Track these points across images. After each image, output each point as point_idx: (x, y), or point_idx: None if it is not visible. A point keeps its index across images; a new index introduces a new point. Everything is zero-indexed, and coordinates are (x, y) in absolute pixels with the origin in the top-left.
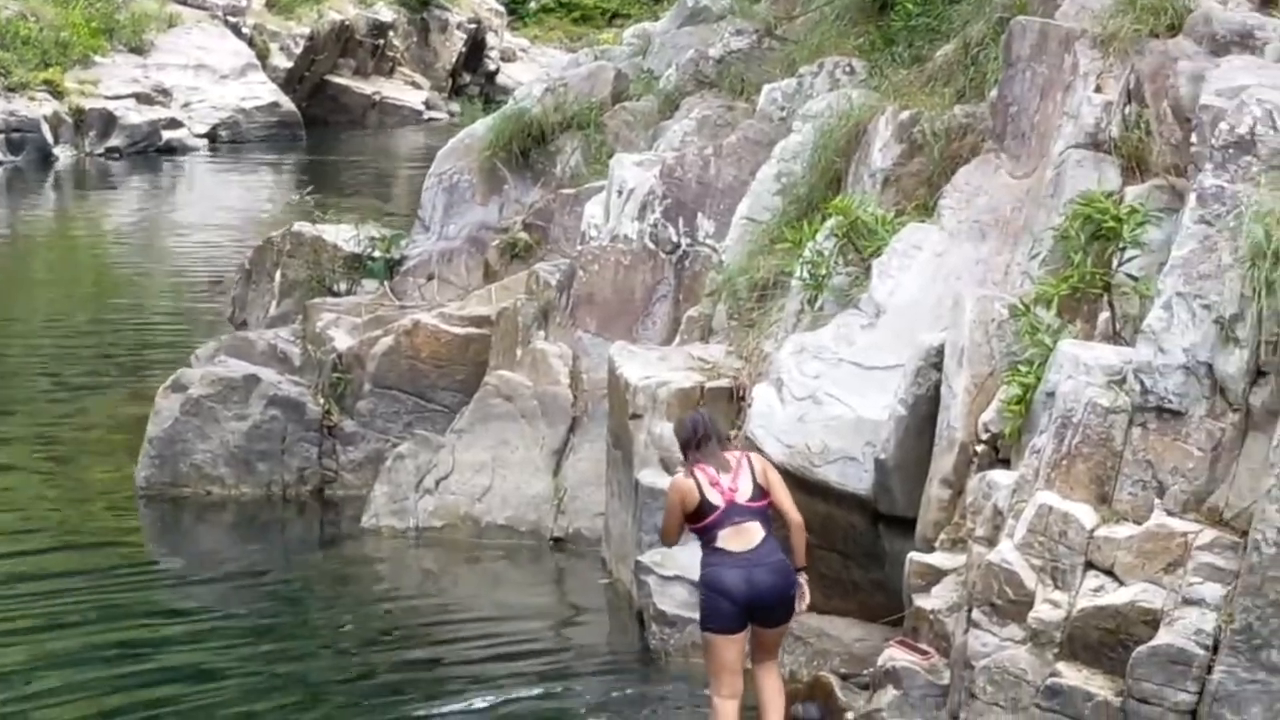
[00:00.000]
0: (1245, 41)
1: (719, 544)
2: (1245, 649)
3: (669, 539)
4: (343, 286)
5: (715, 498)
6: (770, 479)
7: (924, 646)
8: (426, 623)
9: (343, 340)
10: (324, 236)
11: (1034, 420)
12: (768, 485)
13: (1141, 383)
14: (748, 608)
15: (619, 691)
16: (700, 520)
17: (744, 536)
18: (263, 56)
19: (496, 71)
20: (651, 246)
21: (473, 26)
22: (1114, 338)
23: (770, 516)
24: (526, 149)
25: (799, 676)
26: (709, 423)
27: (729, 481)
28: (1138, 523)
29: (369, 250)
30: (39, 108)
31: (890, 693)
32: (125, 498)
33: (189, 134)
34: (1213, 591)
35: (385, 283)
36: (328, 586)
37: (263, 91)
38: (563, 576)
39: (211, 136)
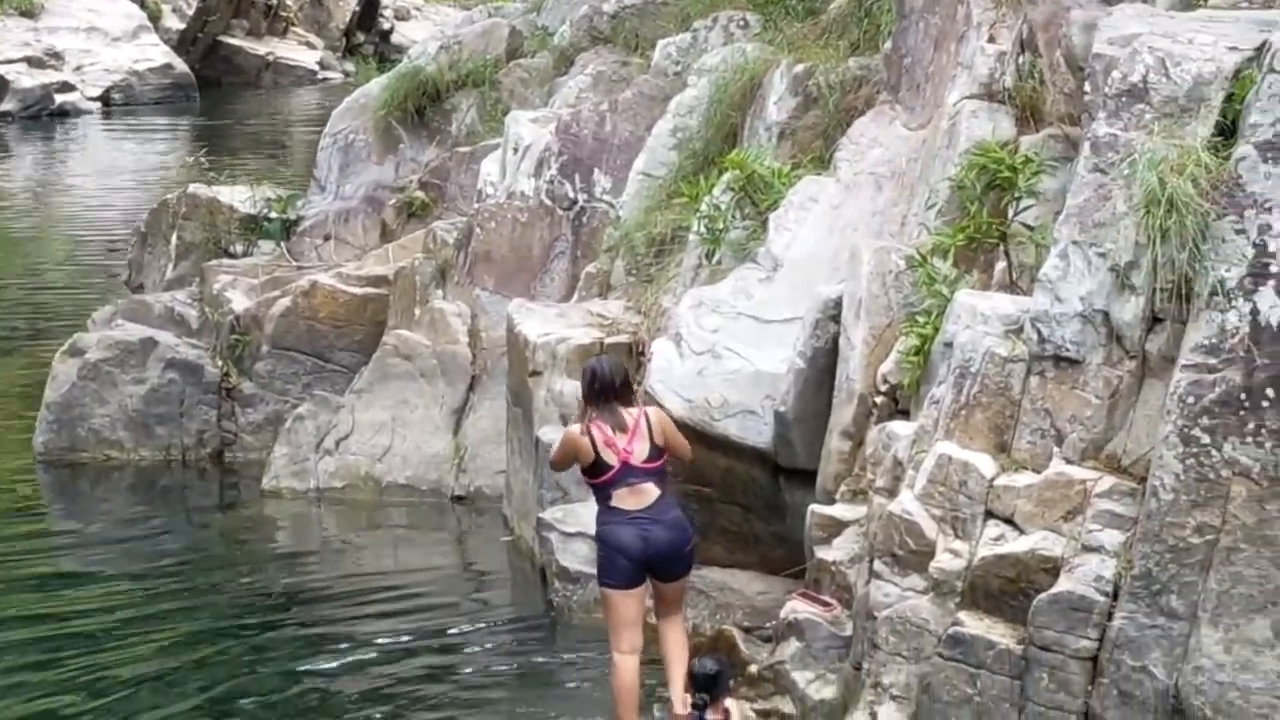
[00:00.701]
0: None
1: (614, 503)
2: (1145, 595)
3: (557, 470)
4: (239, 248)
5: (610, 458)
6: (666, 432)
7: (826, 598)
8: (328, 583)
9: (240, 302)
10: (220, 198)
11: (932, 371)
12: (665, 443)
13: (1038, 331)
14: (644, 563)
15: (522, 648)
16: (595, 477)
17: (639, 496)
18: (155, 18)
19: (391, 30)
20: (548, 203)
21: None
22: (1011, 287)
23: (666, 475)
24: (422, 107)
25: (702, 630)
26: (609, 376)
27: (625, 443)
28: (1037, 471)
29: (265, 211)
30: None
31: (793, 645)
32: (24, 464)
33: (82, 97)
34: (1112, 538)
35: (282, 244)
36: (228, 549)
37: (155, 54)
38: (465, 535)
39: (105, 99)
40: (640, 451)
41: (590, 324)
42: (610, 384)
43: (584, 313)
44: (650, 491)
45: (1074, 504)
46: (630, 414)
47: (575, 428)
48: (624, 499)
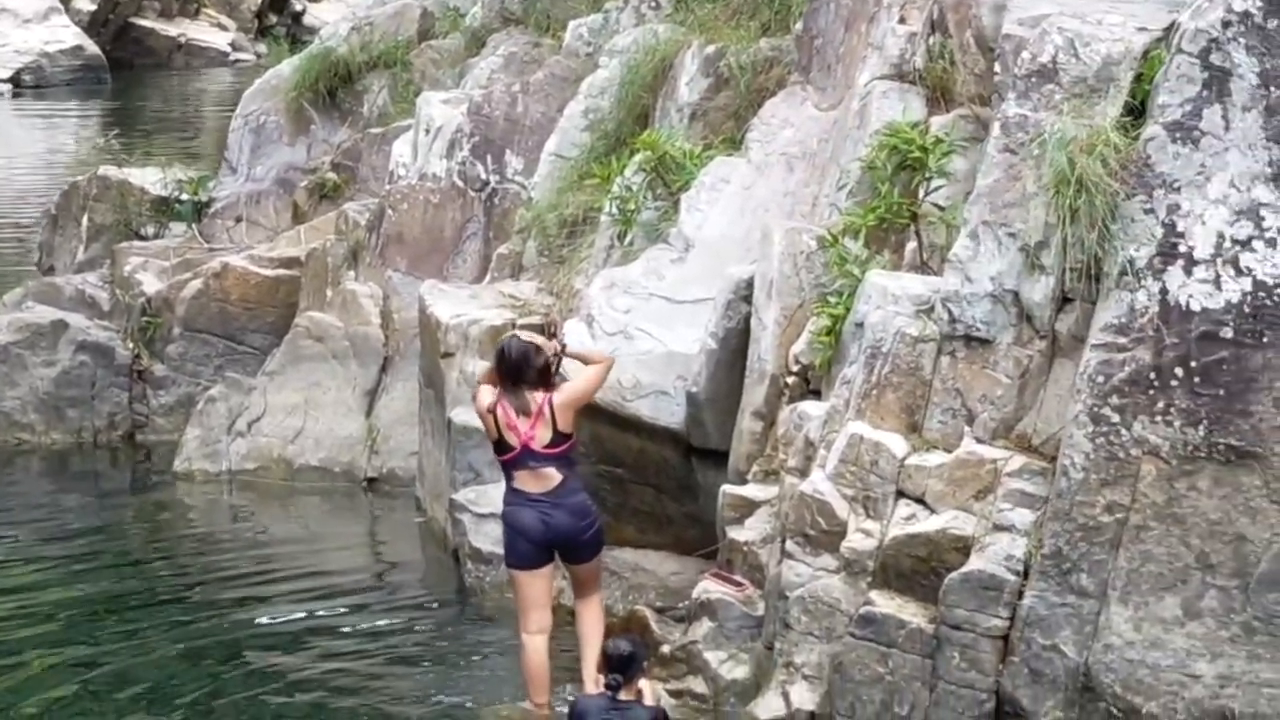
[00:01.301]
0: None
1: (516, 484)
2: (1055, 573)
3: None
4: (150, 230)
5: (511, 439)
6: (574, 406)
7: (738, 578)
8: (240, 566)
9: (151, 284)
10: (130, 180)
11: (844, 351)
12: (569, 425)
13: (949, 312)
14: (546, 546)
15: (435, 630)
16: (498, 454)
17: (541, 480)
18: (66, 0)
19: (303, 12)
20: (460, 184)
21: None
22: (921, 267)
23: (572, 459)
24: (333, 89)
25: (615, 611)
26: (514, 359)
27: (526, 428)
28: (948, 451)
29: (176, 193)
30: None
31: (706, 625)
32: None
33: None
34: (1022, 517)
35: (193, 226)
36: (140, 532)
37: (66, 35)
38: (378, 517)
39: (15, 81)
40: (542, 437)
41: (502, 305)
42: (516, 366)
43: (496, 294)
44: (551, 476)
45: (985, 483)
46: (536, 399)
47: (485, 399)
48: (525, 481)
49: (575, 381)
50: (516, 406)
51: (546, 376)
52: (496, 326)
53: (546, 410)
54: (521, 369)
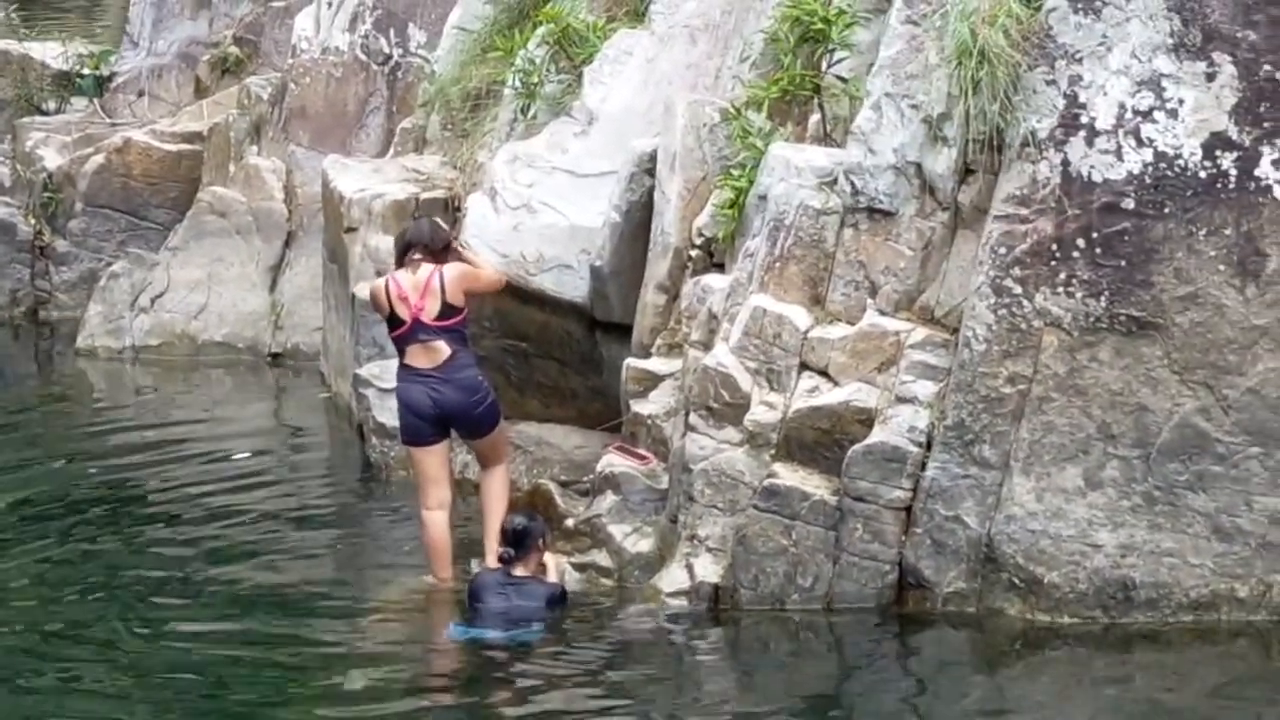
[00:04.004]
0: None
1: (407, 359)
2: (957, 445)
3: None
4: (52, 105)
5: (402, 312)
6: (465, 285)
7: (642, 451)
8: (145, 443)
9: (53, 159)
10: (31, 54)
11: (747, 224)
12: (460, 298)
13: (852, 184)
14: (438, 421)
15: (340, 504)
16: (391, 330)
17: (431, 354)
18: None
19: None
20: (363, 58)
21: None
22: (824, 139)
23: (463, 334)
24: None
25: (519, 485)
26: (417, 232)
27: (416, 299)
28: (851, 323)
29: (78, 67)
30: None
31: (609, 498)
32: None
33: None
34: (925, 389)
35: (95, 100)
36: (44, 408)
37: None
38: (282, 392)
39: None
40: (431, 309)
41: (406, 179)
42: (415, 240)
43: (400, 168)
44: (441, 350)
45: (887, 355)
46: (425, 271)
47: (380, 280)
48: (416, 356)
49: (473, 267)
50: (410, 280)
51: (446, 250)
52: (399, 201)
53: (435, 282)
54: (420, 240)
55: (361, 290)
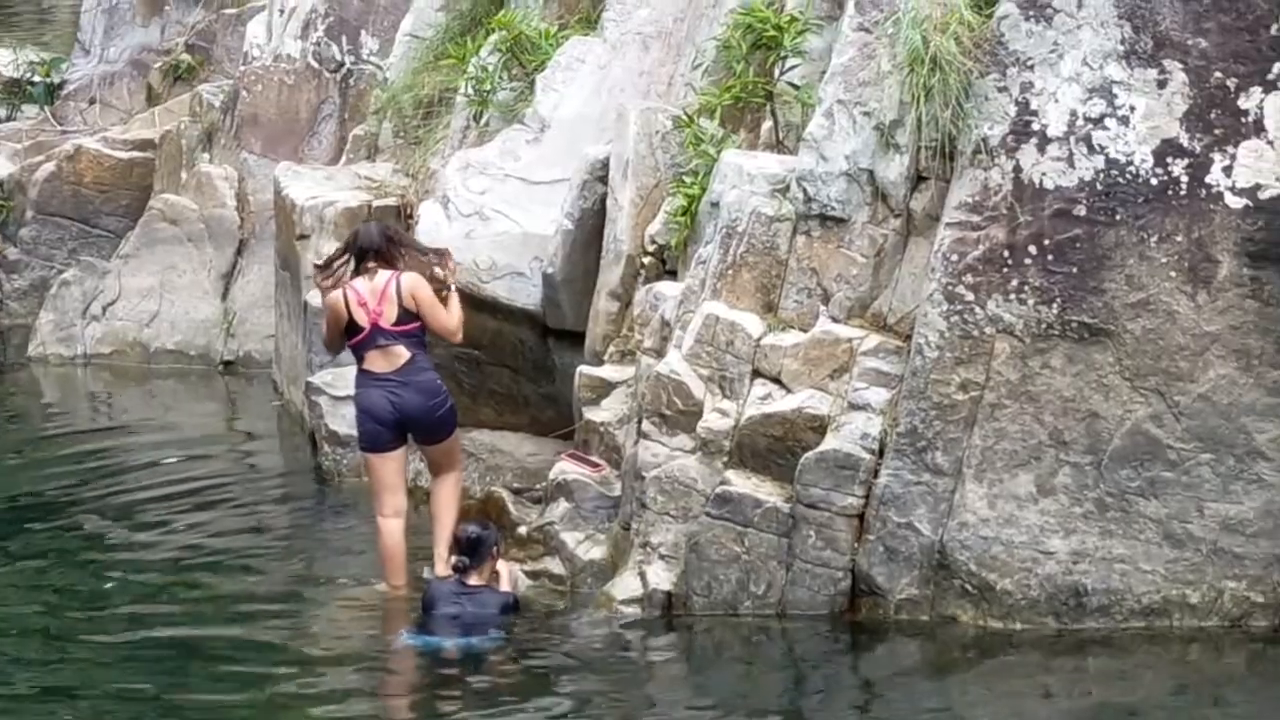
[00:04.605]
0: None
1: (366, 365)
2: (910, 452)
3: (331, 350)
4: (2, 112)
5: (361, 318)
6: (419, 297)
7: (595, 459)
8: (95, 450)
9: (3, 167)
10: None
11: (699, 231)
12: (416, 307)
13: (804, 191)
14: (397, 426)
15: (292, 512)
16: (349, 338)
17: (389, 358)
18: None
19: None
20: (315, 65)
21: None
22: (777, 146)
23: (422, 339)
24: None
25: (472, 492)
26: (370, 238)
27: (374, 304)
28: (803, 330)
29: (28, 75)
30: None
31: (562, 505)
32: None
33: None
34: (877, 396)
35: (46, 108)
36: None
37: None
38: (234, 400)
39: None
40: (389, 314)
41: (358, 187)
42: (369, 246)
43: (352, 176)
44: (400, 354)
45: (840, 362)
46: (384, 277)
47: (338, 291)
48: (374, 361)
49: (434, 302)
50: (367, 286)
51: (393, 258)
52: (352, 208)
53: (392, 288)
54: (374, 246)
55: (314, 298)
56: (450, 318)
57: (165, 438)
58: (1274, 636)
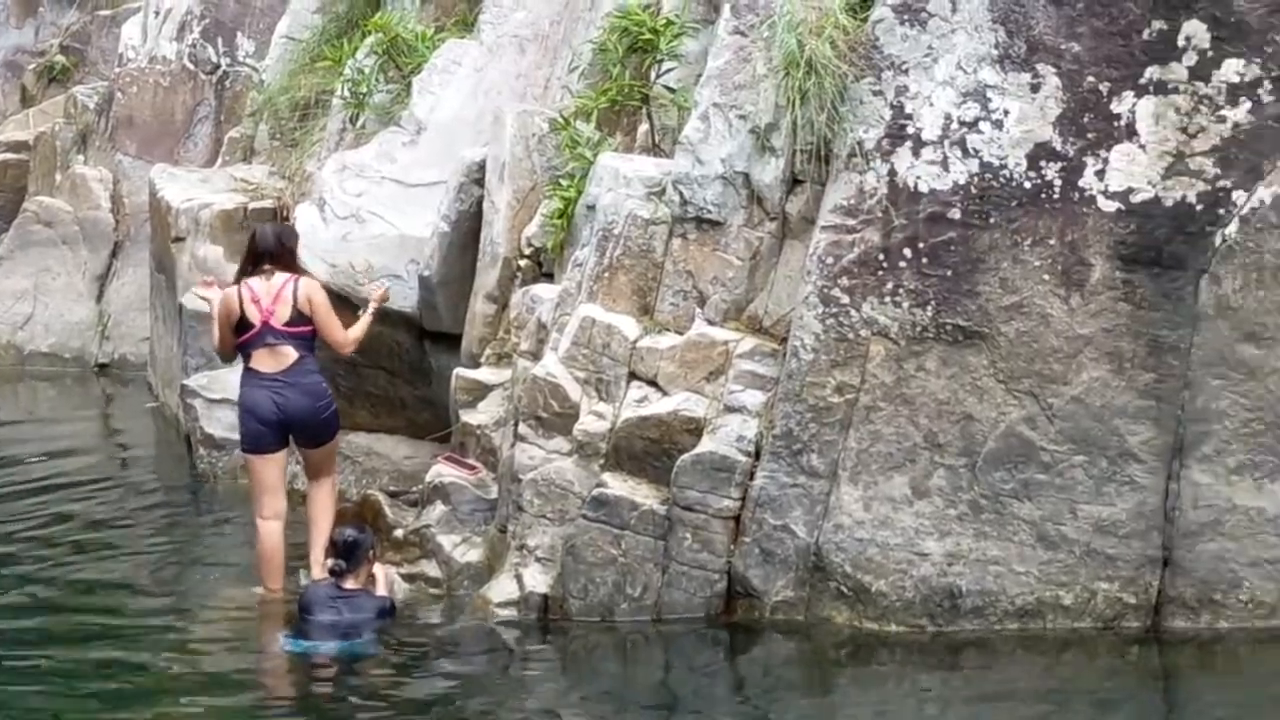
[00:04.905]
0: None
1: (252, 364)
2: (786, 454)
3: (220, 351)
4: None
5: (253, 315)
6: (315, 303)
7: (471, 461)
8: None
9: None
10: None
11: (576, 233)
12: (311, 311)
13: (680, 194)
14: (280, 427)
15: (168, 515)
16: (239, 335)
17: (277, 358)
18: None
19: None
20: (191, 67)
21: None
22: (653, 150)
23: (311, 342)
24: None
25: (348, 495)
26: (267, 239)
27: (268, 303)
28: (679, 333)
29: None
30: None
31: (439, 508)
32: None
33: None
34: (753, 399)
35: None
36: None
37: None
38: (110, 402)
39: None
40: (281, 314)
41: (234, 189)
42: (264, 249)
43: (228, 178)
44: (288, 354)
45: (716, 365)
46: (281, 278)
47: (233, 287)
48: (262, 360)
49: (330, 310)
50: (263, 286)
51: (293, 261)
52: (227, 210)
53: (289, 290)
54: (271, 248)
55: (190, 300)
56: (344, 332)
57: (38, 440)
58: (1146, 637)
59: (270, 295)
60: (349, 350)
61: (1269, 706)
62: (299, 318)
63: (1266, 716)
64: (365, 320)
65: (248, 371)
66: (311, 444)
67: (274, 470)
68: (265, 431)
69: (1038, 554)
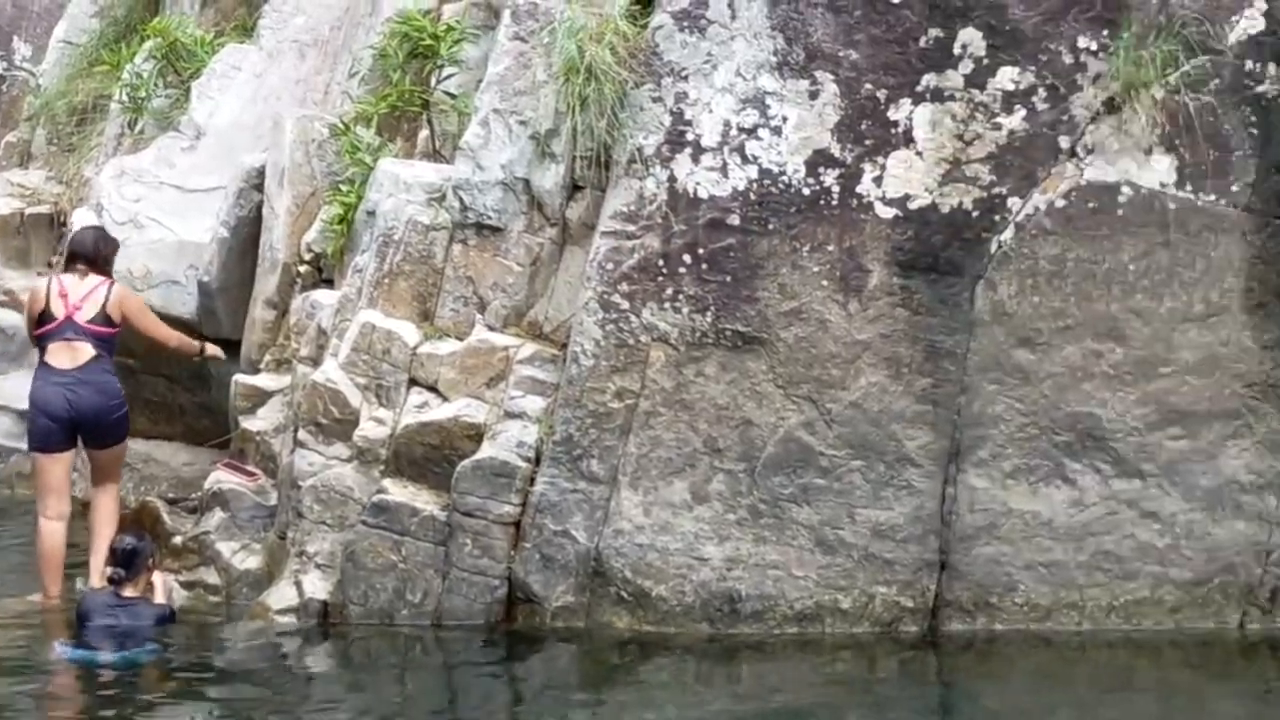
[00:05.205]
0: None
1: (47, 358)
2: (566, 460)
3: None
4: None
5: (58, 308)
6: (128, 309)
7: (251, 468)
8: None
9: None
10: None
11: (356, 239)
12: (121, 317)
13: (461, 200)
14: (70, 426)
15: None
16: (40, 326)
17: (73, 353)
18: None
19: None
20: None
21: None
22: (434, 155)
23: (111, 345)
24: None
25: (127, 502)
26: (86, 243)
27: (76, 299)
28: (460, 338)
29: None
30: None
31: (218, 515)
32: None
33: None
34: (534, 404)
35: None
36: None
37: None
38: None
39: None
40: (88, 312)
41: (11, 194)
42: (79, 251)
43: (4, 183)
44: (85, 351)
45: (496, 371)
46: (95, 280)
47: (43, 279)
48: (58, 355)
49: (145, 310)
50: (74, 283)
51: (107, 268)
52: (4, 216)
53: (101, 292)
54: (86, 251)
55: None
56: (166, 327)
57: None
58: (924, 641)
59: (80, 293)
60: (173, 344)
61: (1043, 708)
62: (105, 320)
63: (1041, 718)
64: (189, 341)
65: (42, 366)
66: (100, 445)
67: (60, 470)
68: (55, 429)
69: (816, 558)
